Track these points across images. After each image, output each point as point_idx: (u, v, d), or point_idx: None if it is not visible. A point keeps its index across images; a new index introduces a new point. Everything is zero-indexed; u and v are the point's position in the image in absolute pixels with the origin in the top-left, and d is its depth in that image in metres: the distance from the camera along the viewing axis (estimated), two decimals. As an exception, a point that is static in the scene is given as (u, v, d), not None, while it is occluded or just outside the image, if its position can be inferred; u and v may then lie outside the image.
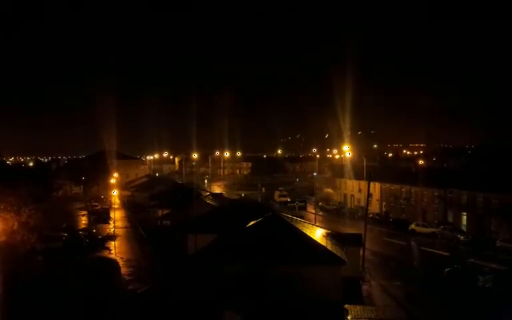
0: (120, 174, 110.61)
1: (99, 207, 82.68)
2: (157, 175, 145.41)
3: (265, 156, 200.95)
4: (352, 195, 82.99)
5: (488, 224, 54.59)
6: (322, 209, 79.67)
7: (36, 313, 30.27)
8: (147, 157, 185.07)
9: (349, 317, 26.32)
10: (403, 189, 70.53)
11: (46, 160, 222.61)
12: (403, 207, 70.30)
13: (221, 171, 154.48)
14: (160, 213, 65.67)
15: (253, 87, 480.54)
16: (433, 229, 57.43)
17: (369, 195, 53.43)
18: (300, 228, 35.43)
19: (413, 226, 59.95)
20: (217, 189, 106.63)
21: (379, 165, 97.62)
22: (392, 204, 72.63)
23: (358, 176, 78.51)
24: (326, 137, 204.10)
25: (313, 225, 49.21)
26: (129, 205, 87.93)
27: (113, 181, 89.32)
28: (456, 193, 60.27)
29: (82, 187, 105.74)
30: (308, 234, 33.51)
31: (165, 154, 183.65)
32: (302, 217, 57.73)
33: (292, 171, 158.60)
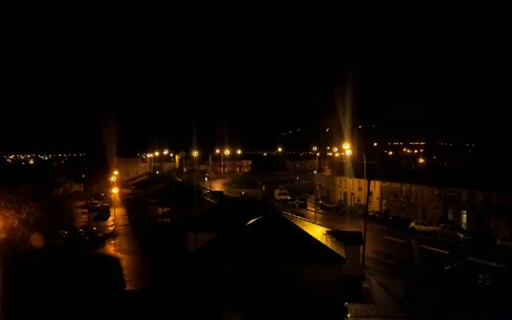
0: (120, 172, 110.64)
1: (99, 205, 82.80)
2: (157, 172, 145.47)
3: (265, 154, 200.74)
4: (352, 193, 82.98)
5: (488, 222, 54.60)
6: (322, 207, 79.73)
7: (36, 311, 30.31)
8: (147, 155, 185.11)
9: (348, 315, 26.36)
10: (403, 188, 70.53)
11: (46, 158, 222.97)
12: (403, 205, 70.32)
13: (221, 169, 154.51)
14: (160, 210, 65.78)
15: (253, 83, 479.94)
16: (433, 227, 57.42)
17: (369, 193, 53.45)
18: (300, 226, 35.50)
19: (413, 224, 59.97)
20: (217, 186, 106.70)
21: (379, 163, 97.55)
22: (392, 202, 72.64)
23: (358, 174, 78.50)
24: (327, 130, 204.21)
25: (313, 223, 49.34)
26: (129, 203, 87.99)
27: (113, 178, 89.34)
28: (456, 192, 60.27)
29: (82, 184, 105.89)
30: (308, 232, 33.55)
31: (165, 152, 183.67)
32: (302, 215, 57.93)
33: (292, 169, 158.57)
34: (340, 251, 32.75)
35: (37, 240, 49.11)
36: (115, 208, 73.28)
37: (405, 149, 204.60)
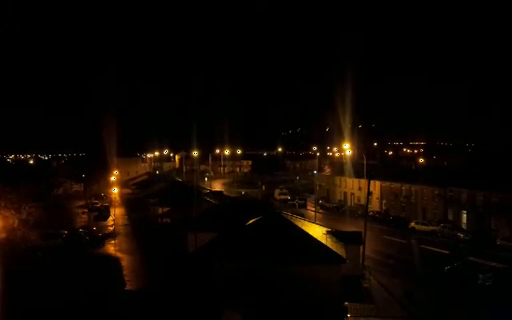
0: (120, 172, 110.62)
1: (99, 205, 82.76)
2: (157, 172, 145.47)
3: (265, 154, 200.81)
4: (352, 193, 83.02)
5: (488, 222, 54.64)
6: (322, 206, 79.74)
7: (36, 311, 30.31)
8: (147, 155, 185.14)
9: (348, 315, 26.35)
10: (403, 187, 70.56)
11: (46, 157, 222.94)
12: (403, 205, 70.35)
13: (221, 169, 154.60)
14: (160, 210, 65.76)
15: (253, 83, 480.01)
16: (433, 227, 57.46)
17: (369, 193, 53.48)
18: (300, 226, 35.49)
19: (412, 224, 60.01)
20: (217, 186, 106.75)
21: (379, 163, 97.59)
22: (392, 202, 72.67)
23: (358, 174, 78.53)
24: (327, 130, 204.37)
25: (313, 223, 49.34)
26: (129, 203, 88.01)
27: (113, 178, 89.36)
28: (456, 191, 60.31)
29: (82, 184, 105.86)
30: (308, 232, 33.54)
31: (165, 152, 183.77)
32: (302, 215, 57.91)
33: (292, 169, 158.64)
34: (340, 250, 32.75)
35: (36, 236, 49.06)
36: (114, 208, 73.28)
37: (405, 149, 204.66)
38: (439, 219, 60.74)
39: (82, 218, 74.04)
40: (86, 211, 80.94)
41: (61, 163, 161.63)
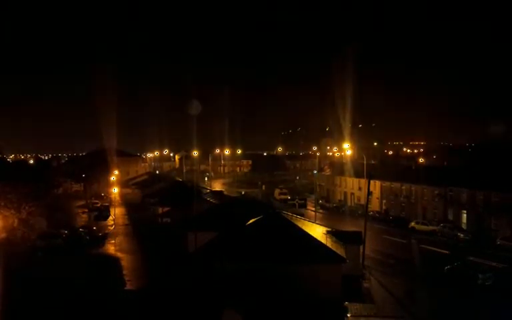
0: (120, 171, 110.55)
1: (99, 204, 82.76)
2: (157, 172, 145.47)
3: (265, 153, 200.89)
4: (352, 193, 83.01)
5: (488, 222, 54.63)
6: (322, 206, 79.72)
7: (36, 311, 30.31)
8: (147, 155, 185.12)
9: (348, 315, 26.34)
10: (403, 187, 70.55)
11: (46, 157, 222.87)
12: (403, 204, 70.33)
13: (221, 169, 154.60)
14: (160, 210, 65.76)
15: (253, 82, 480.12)
16: (433, 227, 57.45)
17: (369, 193, 53.43)
18: (300, 226, 35.48)
19: (413, 224, 59.99)
20: (217, 186, 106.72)
21: (379, 162, 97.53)
22: (392, 202, 72.65)
23: (358, 174, 78.50)
24: (327, 129, 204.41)
25: (313, 222, 49.31)
26: (129, 203, 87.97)
27: (113, 178, 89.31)
28: (456, 191, 60.29)
29: (82, 184, 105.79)
30: (308, 232, 33.53)
31: (165, 151, 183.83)
32: (302, 215, 57.90)
33: (292, 169, 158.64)
34: (340, 250, 32.74)
35: (36, 236, 49.03)
36: (115, 207, 73.26)
37: (405, 149, 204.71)
38: (439, 219, 60.72)
39: (82, 218, 74.02)
40: (86, 210, 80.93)
41: (61, 163, 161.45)
